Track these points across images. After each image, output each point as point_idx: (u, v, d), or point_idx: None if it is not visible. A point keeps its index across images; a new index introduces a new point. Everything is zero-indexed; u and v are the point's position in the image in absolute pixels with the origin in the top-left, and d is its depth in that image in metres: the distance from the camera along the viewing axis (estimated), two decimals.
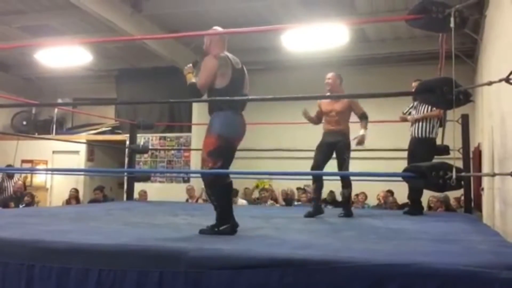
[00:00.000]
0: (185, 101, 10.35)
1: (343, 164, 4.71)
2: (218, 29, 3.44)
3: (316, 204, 4.82)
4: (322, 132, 4.90)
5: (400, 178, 2.81)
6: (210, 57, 3.22)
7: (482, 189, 6.45)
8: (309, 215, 4.67)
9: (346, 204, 4.88)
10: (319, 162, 4.75)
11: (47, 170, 10.77)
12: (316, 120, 5.06)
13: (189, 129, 10.30)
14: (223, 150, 3.12)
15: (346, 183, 4.81)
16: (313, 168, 4.78)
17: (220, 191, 3.12)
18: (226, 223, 3.07)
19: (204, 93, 3.24)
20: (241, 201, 8.48)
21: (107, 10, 7.12)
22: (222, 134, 3.11)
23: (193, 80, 3.22)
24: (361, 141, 4.74)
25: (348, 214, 4.74)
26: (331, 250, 2.38)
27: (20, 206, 8.04)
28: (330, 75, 4.88)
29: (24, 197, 8.55)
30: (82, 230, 3.25)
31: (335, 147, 4.73)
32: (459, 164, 5.29)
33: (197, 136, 10.20)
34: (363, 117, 4.83)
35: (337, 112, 4.80)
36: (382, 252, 2.30)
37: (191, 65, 3.34)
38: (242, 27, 7.69)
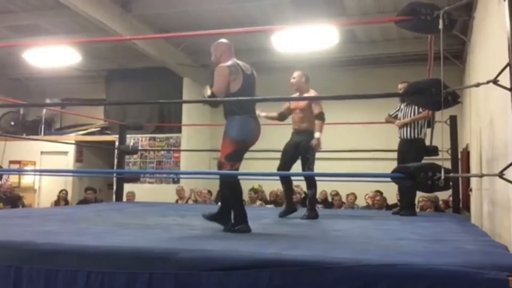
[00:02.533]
0: (175, 102, 10.35)
1: (305, 163, 4.65)
2: (224, 41, 3.66)
3: (289, 204, 4.83)
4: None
5: (389, 179, 2.83)
6: (222, 65, 3.43)
7: (471, 190, 6.50)
8: (281, 215, 4.71)
9: (310, 206, 4.72)
10: (284, 162, 4.75)
11: (35, 171, 10.67)
12: (280, 116, 4.98)
13: (179, 130, 10.27)
14: (238, 153, 3.37)
15: (309, 184, 4.74)
16: (279, 169, 4.78)
17: (235, 193, 3.38)
18: (241, 222, 3.31)
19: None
20: None
21: (97, 10, 7.07)
22: (237, 138, 3.34)
23: (209, 91, 3.41)
24: (317, 145, 4.61)
25: (311, 216, 4.60)
26: (320, 251, 2.39)
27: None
28: (295, 73, 4.86)
29: (18, 199, 8.55)
30: (71, 231, 3.23)
31: (299, 146, 4.69)
32: (448, 165, 5.33)
33: (187, 137, 10.18)
34: (319, 118, 4.67)
35: (301, 110, 4.75)
36: (371, 253, 2.31)
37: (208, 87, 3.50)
38: (232, 28, 7.70)
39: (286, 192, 4.91)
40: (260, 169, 8.17)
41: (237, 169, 3.41)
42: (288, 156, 4.76)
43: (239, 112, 3.37)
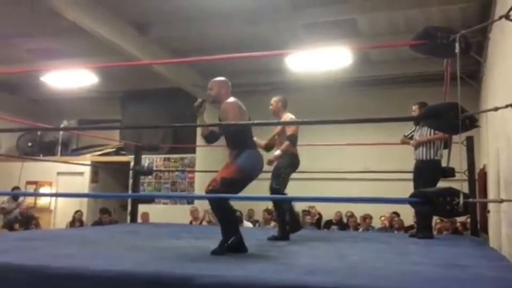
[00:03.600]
0: (190, 126, 10.34)
1: (275, 177, 4.55)
2: (225, 79, 3.76)
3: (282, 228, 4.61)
4: None
5: None
6: (229, 101, 3.55)
7: (488, 212, 6.40)
8: (274, 238, 4.49)
9: (280, 227, 4.60)
10: None
11: (52, 195, 10.79)
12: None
13: (193, 150, 10.32)
14: (236, 182, 3.34)
15: (275, 205, 4.75)
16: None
17: (223, 211, 3.33)
18: (232, 236, 3.24)
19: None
20: (246, 224, 8.45)
21: (114, 34, 7.20)
22: (244, 168, 3.37)
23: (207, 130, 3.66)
24: (270, 160, 4.59)
25: (277, 237, 4.45)
26: (339, 276, 2.36)
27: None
28: (273, 99, 4.90)
29: (31, 219, 8.60)
30: (86, 254, 3.24)
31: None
32: (465, 186, 5.26)
33: (202, 157, 10.22)
34: (288, 139, 4.68)
35: (278, 135, 4.82)
36: (389, 279, 2.27)
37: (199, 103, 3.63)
38: (247, 50, 7.72)
39: (280, 217, 4.69)
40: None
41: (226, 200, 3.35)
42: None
43: (249, 147, 3.48)
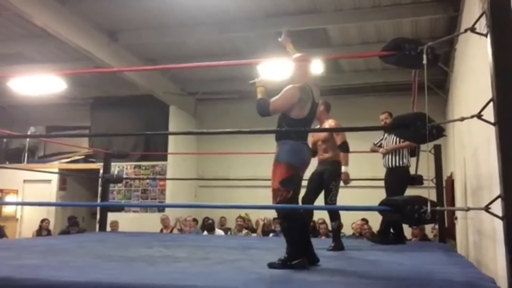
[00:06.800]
0: (163, 133, 10.27)
1: (328, 194, 4.52)
2: (310, 58, 3.49)
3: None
4: None
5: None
6: (294, 87, 3.26)
7: (456, 218, 6.54)
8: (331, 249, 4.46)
9: (335, 237, 4.59)
10: (309, 190, 4.60)
11: (18, 203, 10.49)
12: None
13: (164, 157, 10.21)
14: (294, 178, 3.13)
15: (332, 216, 4.63)
16: (303, 197, 4.48)
17: (296, 224, 3.08)
18: (299, 257, 2.99)
19: (272, 115, 3.25)
20: (218, 231, 8.41)
21: (84, 39, 7.08)
22: (292, 162, 3.13)
23: (265, 96, 3.26)
24: (345, 181, 4.58)
25: (336, 247, 4.46)
26: (311, 285, 2.36)
27: None
28: None
29: None
30: (53, 265, 3.15)
31: (323, 175, 4.59)
32: (433, 193, 5.37)
33: (173, 165, 10.13)
34: (343, 149, 4.56)
35: (323, 141, 4.67)
36: (362, 285, 2.29)
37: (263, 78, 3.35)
38: (219, 57, 7.78)
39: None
40: (245, 197, 8.15)
41: (293, 196, 3.11)
42: (313, 184, 4.63)
43: (294, 137, 3.19)
